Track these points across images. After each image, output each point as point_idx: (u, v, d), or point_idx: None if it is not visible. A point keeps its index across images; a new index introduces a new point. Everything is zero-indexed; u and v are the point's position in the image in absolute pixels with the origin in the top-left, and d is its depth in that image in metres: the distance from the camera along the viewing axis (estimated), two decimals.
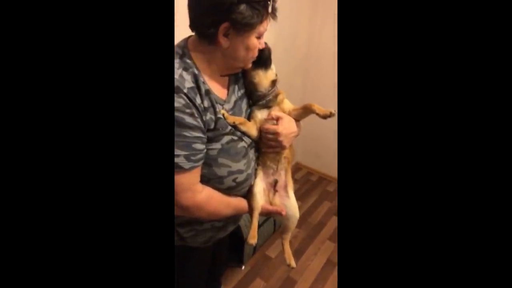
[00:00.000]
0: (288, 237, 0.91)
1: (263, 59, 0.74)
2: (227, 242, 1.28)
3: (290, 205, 0.84)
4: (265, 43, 0.74)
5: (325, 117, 0.75)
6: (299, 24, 1.97)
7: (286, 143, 0.77)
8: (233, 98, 0.75)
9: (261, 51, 0.72)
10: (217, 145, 0.67)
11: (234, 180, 0.72)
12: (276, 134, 0.75)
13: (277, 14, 0.65)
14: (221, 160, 0.68)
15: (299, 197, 2.21)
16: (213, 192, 0.71)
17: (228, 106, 0.73)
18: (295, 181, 2.40)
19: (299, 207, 2.16)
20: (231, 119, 0.70)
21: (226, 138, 0.69)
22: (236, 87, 0.78)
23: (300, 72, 2.15)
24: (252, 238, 0.79)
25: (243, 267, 1.62)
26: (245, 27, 0.60)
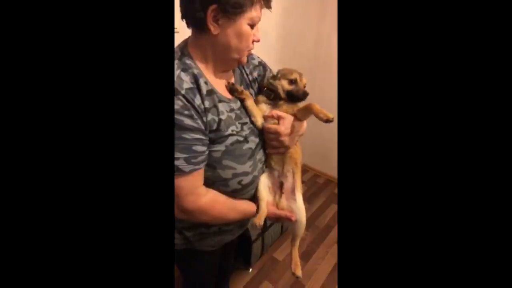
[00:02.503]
0: (297, 243, 0.84)
1: (298, 98, 0.75)
2: (235, 245, 1.23)
3: (297, 209, 0.79)
4: (306, 91, 0.74)
5: (324, 121, 0.69)
6: (307, 26, 1.93)
7: (288, 143, 0.72)
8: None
9: (299, 93, 0.72)
10: (220, 147, 0.63)
11: (239, 183, 0.67)
12: (277, 133, 0.70)
13: (272, 3, 0.61)
14: (225, 162, 0.64)
15: (306, 199, 2.14)
16: (217, 195, 0.66)
17: (235, 105, 0.69)
18: (302, 183, 2.34)
19: (306, 210, 2.11)
20: (240, 88, 0.70)
21: (230, 139, 0.64)
22: (242, 86, 0.74)
23: (307, 74, 2.09)
24: (259, 219, 0.72)
25: (250, 270, 1.57)
26: (235, 9, 0.56)
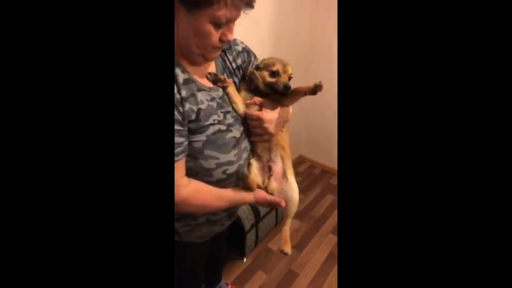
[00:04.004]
0: (288, 222, 0.80)
1: (278, 93, 0.70)
2: (226, 236, 1.22)
3: (289, 189, 0.75)
4: (287, 85, 0.67)
5: (314, 91, 0.65)
6: (302, 14, 1.87)
7: (272, 129, 0.68)
8: None
9: (279, 87, 0.66)
10: (201, 137, 0.60)
11: (224, 172, 0.65)
12: (259, 120, 0.67)
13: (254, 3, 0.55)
14: (207, 152, 0.61)
15: (302, 190, 2.13)
16: (200, 185, 0.64)
17: (217, 93, 0.66)
18: (297, 174, 2.32)
19: (302, 201, 2.08)
20: (223, 77, 0.67)
21: (212, 129, 0.62)
22: (225, 74, 0.71)
23: (302, 64, 2.05)
24: (252, 181, 0.69)
25: (244, 260, 1.57)
26: (191, 3, 0.51)
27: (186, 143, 0.58)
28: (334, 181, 2.27)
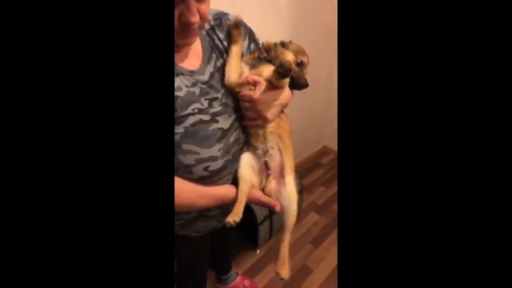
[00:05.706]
0: (286, 237, 0.69)
1: (296, 85, 0.63)
2: (234, 229, 1.18)
3: (285, 193, 0.65)
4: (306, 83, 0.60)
5: (280, 74, 0.55)
6: None
7: (267, 113, 0.59)
8: (209, 69, 0.60)
9: (301, 80, 0.60)
10: (179, 129, 0.54)
11: (205, 169, 0.58)
12: (252, 101, 0.58)
13: None
14: (185, 146, 0.55)
15: (324, 182, 2.01)
16: (182, 183, 0.58)
17: (202, 77, 0.59)
18: (320, 166, 2.18)
19: (323, 194, 1.95)
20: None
21: (191, 119, 0.55)
22: (214, 55, 0.62)
23: (326, 45, 1.86)
24: (234, 215, 0.61)
25: (257, 251, 1.53)
26: None
27: None
28: None
